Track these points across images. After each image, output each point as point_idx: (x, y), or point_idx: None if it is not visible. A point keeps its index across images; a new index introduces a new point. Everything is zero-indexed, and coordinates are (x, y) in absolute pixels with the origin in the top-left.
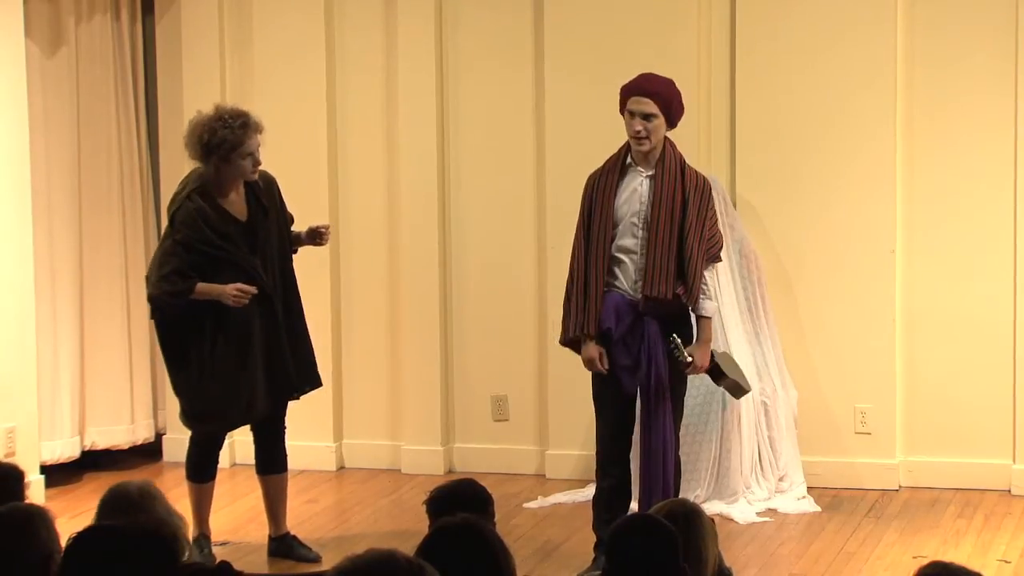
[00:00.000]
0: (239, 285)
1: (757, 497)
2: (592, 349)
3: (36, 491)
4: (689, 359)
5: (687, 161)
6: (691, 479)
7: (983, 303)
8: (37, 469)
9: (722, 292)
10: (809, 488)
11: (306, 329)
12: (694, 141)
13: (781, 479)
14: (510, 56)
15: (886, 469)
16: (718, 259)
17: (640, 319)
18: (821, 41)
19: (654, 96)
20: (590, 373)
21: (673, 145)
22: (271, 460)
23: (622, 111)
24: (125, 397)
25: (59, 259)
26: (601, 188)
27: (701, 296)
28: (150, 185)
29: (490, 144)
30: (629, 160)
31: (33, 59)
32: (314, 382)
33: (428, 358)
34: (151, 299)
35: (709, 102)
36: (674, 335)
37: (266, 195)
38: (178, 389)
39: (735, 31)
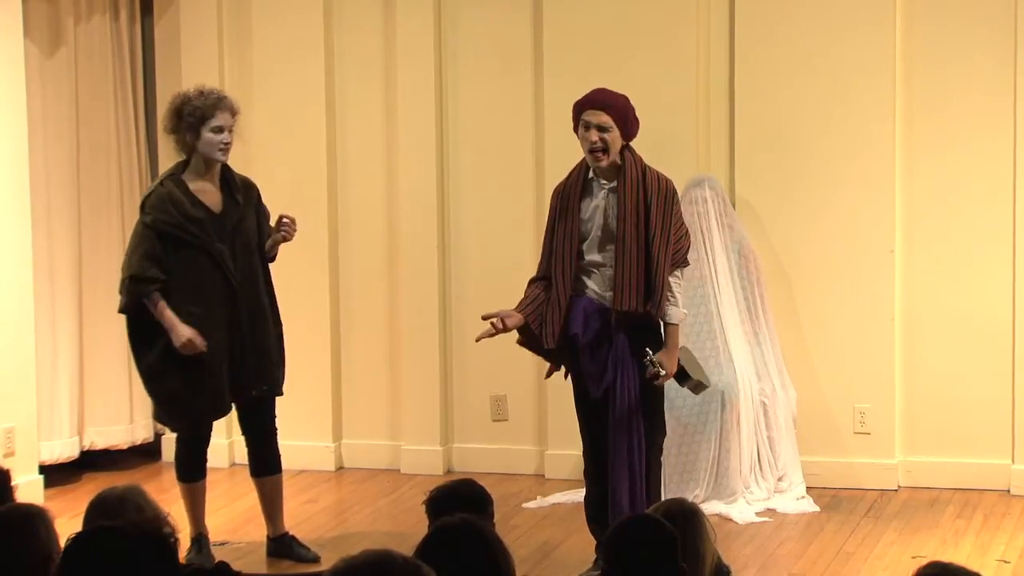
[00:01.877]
0: (195, 338)
1: (756, 497)
2: (513, 316)
3: (35, 491)
4: (662, 372)
5: (651, 165)
6: (690, 479)
7: (982, 303)
8: (36, 469)
9: (721, 292)
10: (808, 488)
11: (278, 333)
12: (692, 142)
13: (780, 479)
14: (509, 57)
15: (885, 469)
16: (685, 263)
17: (608, 325)
18: (820, 41)
19: (608, 109)
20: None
21: (632, 151)
22: (264, 462)
23: (576, 128)
24: (124, 397)
25: (58, 260)
26: (565, 202)
27: (667, 303)
28: (148, 181)
29: (489, 145)
30: (591, 174)
31: (32, 59)
32: (271, 384)
33: (427, 358)
34: (122, 281)
35: (708, 102)
36: (648, 350)
37: (243, 193)
38: (143, 379)
39: (734, 31)
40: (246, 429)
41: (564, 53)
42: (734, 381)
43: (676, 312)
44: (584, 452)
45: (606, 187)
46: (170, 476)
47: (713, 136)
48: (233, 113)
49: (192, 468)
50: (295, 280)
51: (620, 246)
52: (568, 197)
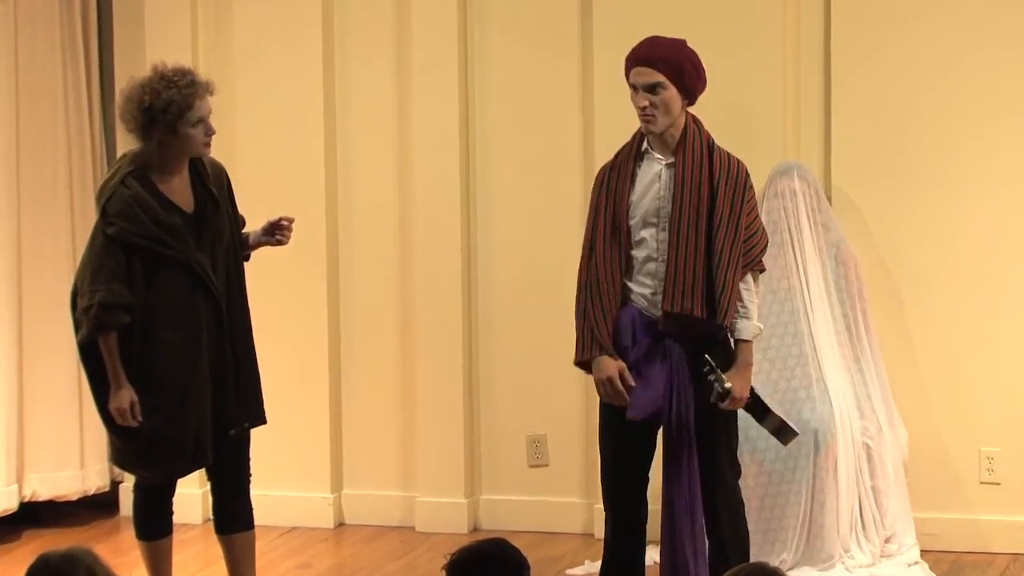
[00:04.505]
0: (132, 410)
1: (858, 563)
2: (609, 365)
3: None
4: (727, 386)
5: (719, 144)
6: (775, 540)
7: None
8: None
9: (813, 308)
10: (923, 552)
11: (254, 352)
12: (779, 121)
13: (888, 540)
14: (550, 24)
15: (1019, 528)
16: (760, 267)
17: (660, 342)
18: (937, 5)
19: (657, 63)
20: None
21: (699, 124)
22: (233, 516)
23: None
24: (73, 438)
25: None
26: (612, 182)
27: (737, 315)
28: (104, 180)
29: (525, 131)
30: (645, 146)
31: None
32: (255, 418)
33: (448, 389)
34: (82, 310)
35: (798, 73)
36: (707, 356)
37: (215, 184)
38: (108, 422)
39: None
40: (215, 474)
41: (619, 17)
42: (830, 418)
43: (748, 326)
44: (604, 484)
45: (662, 162)
46: (129, 534)
47: (804, 115)
48: (211, 93)
49: (155, 523)
50: (285, 295)
51: (674, 234)
52: (617, 174)
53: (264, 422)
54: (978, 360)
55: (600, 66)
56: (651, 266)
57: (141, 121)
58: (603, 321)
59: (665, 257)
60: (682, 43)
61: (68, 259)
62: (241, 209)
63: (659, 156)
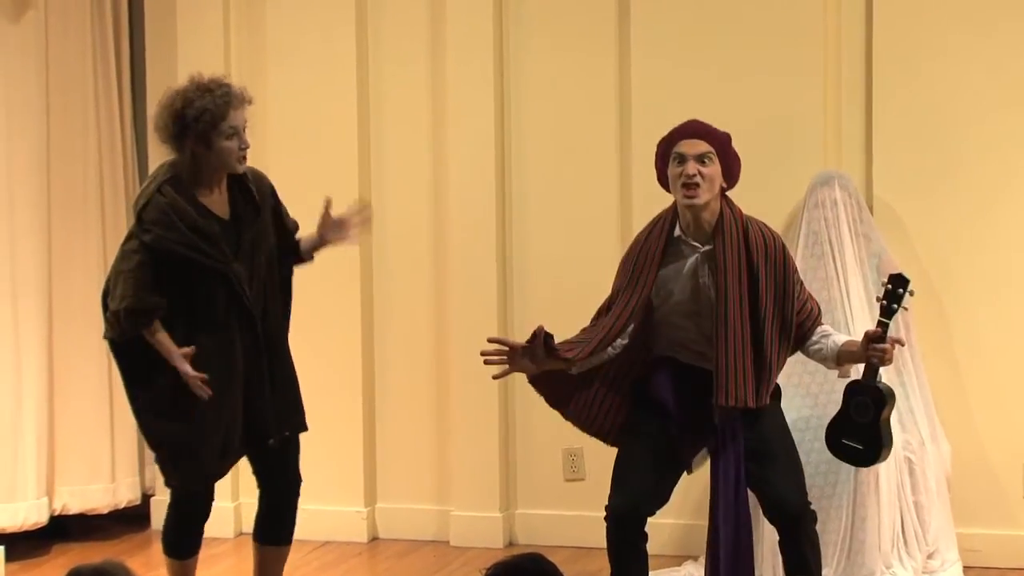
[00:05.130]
0: (197, 376)
1: None
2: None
3: None
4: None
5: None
6: None
7: None
8: None
9: (854, 320)
10: (966, 568)
11: (290, 362)
12: (819, 129)
13: (930, 556)
14: (587, 27)
15: None
16: (820, 322)
17: (701, 389)
18: (983, 8)
19: (707, 136)
20: None
21: (731, 204)
22: (273, 528)
23: (663, 166)
24: (104, 450)
25: (22, 276)
26: (639, 269)
27: (822, 342)
28: (136, 183)
29: (561, 136)
30: (678, 232)
31: None
32: (295, 426)
33: (484, 401)
34: (113, 313)
35: (838, 82)
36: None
37: (257, 191)
38: (141, 423)
39: None
40: (264, 483)
41: (657, 17)
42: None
43: (841, 337)
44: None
45: (699, 250)
46: (160, 547)
47: (845, 123)
48: (247, 103)
49: (182, 542)
50: (318, 305)
51: (722, 329)
52: (642, 261)
53: (304, 429)
54: (1023, 373)
55: (638, 67)
56: (695, 347)
57: (174, 130)
58: (578, 340)
59: (715, 353)
60: (728, 134)
61: (99, 267)
62: None
63: (695, 243)
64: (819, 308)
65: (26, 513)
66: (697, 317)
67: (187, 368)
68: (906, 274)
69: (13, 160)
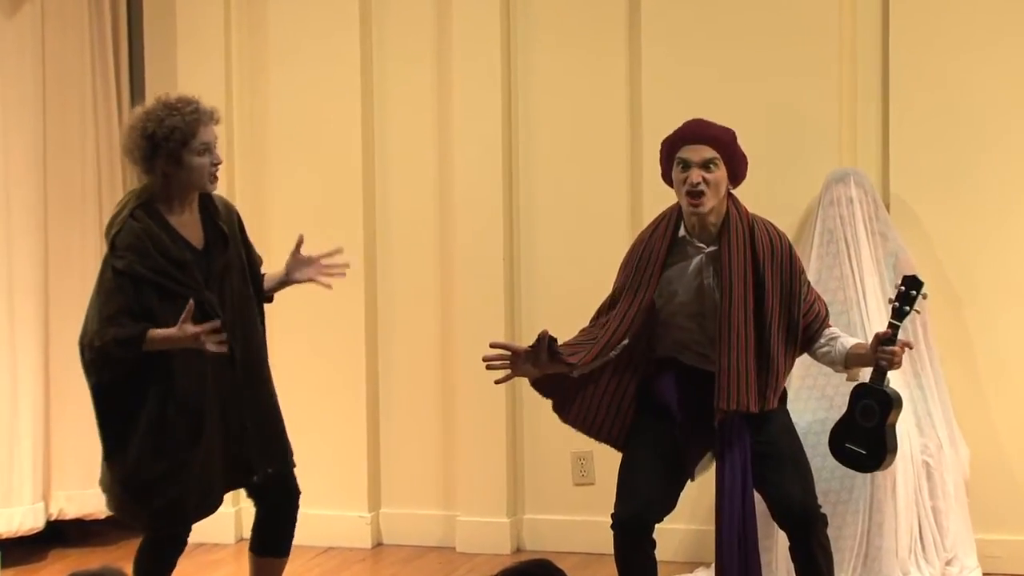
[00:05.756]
0: (207, 326)
1: None
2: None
3: None
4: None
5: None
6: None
7: None
8: None
9: (870, 321)
10: (985, 574)
11: (272, 393)
12: (834, 125)
13: (948, 563)
14: (596, 24)
15: None
16: (828, 324)
17: (705, 391)
18: (1001, 4)
19: (712, 141)
20: None
21: (737, 203)
22: (271, 540)
23: (667, 168)
24: (100, 455)
25: (18, 280)
26: (643, 264)
27: (830, 343)
28: (134, 182)
29: (570, 135)
30: (681, 231)
31: None
32: (280, 462)
33: (490, 404)
34: (95, 351)
35: (854, 78)
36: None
37: (225, 220)
38: (114, 466)
39: None
40: (259, 498)
41: (668, 15)
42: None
43: (849, 339)
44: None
45: (703, 251)
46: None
47: (861, 119)
48: (215, 122)
49: (161, 571)
50: (321, 307)
51: (726, 332)
52: (646, 261)
53: (291, 463)
54: None
55: (648, 65)
56: (699, 348)
57: (145, 151)
58: (580, 342)
59: (718, 355)
60: (733, 132)
61: (96, 267)
62: (275, 214)
63: (699, 244)
64: (826, 310)
65: (22, 518)
66: (701, 319)
67: (197, 329)
68: (920, 276)
69: (9, 157)
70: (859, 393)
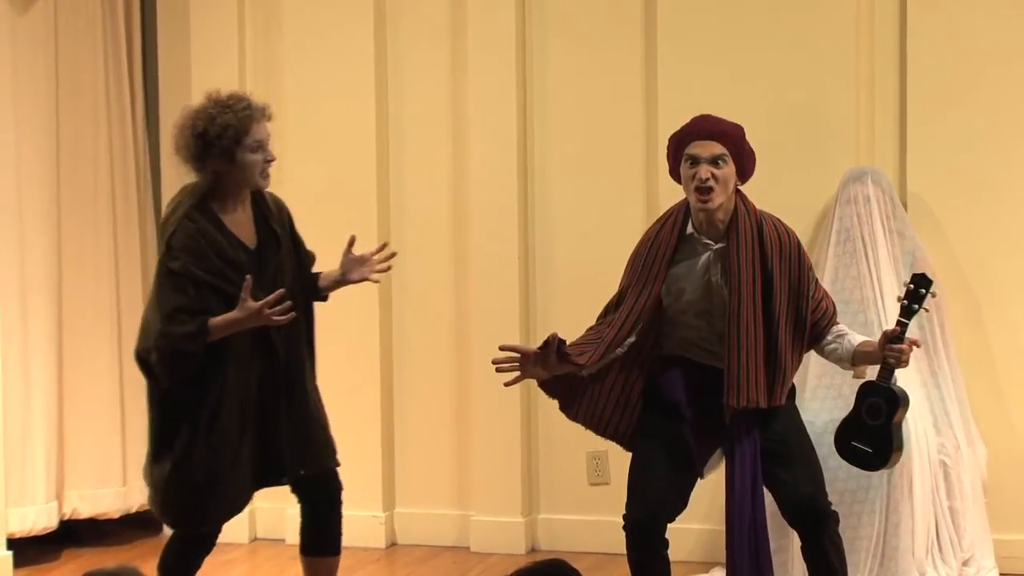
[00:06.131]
0: (270, 297)
1: None
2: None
3: (2, 571)
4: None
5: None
6: (848, 562)
7: None
8: (3, 544)
9: (888, 320)
10: (1003, 575)
11: (314, 396)
12: (852, 123)
13: (965, 563)
14: (612, 20)
15: None
16: (836, 322)
17: (713, 388)
18: (1017, 6)
19: (720, 137)
20: None
21: (745, 200)
22: (321, 540)
23: (675, 165)
24: (114, 453)
25: (31, 279)
26: (649, 261)
27: (838, 340)
28: (148, 184)
29: (586, 132)
30: (690, 229)
31: (0, 15)
32: (312, 464)
33: (505, 403)
34: (161, 351)
35: (871, 76)
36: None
37: (277, 221)
38: (170, 469)
39: None
40: (304, 498)
41: (684, 14)
42: (905, 435)
43: (856, 336)
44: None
45: (711, 248)
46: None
47: (879, 117)
48: (268, 118)
49: (190, 571)
50: (335, 306)
51: (734, 329)
52: (652, 258)
53: (330, 465)
54: None
55: (664, 66)
56: (707, 345)
57: (196, 150)
58: (587, 341)
59: (727, 354)
60: (742, 127)
61: (109, 265)
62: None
63: (707, 240)
64: (834, 307)
65: (35, 517)
66: (709, 316)
67: (258, 304)
68: (933, 275)
69: (22, 154)
70: (866, 391)
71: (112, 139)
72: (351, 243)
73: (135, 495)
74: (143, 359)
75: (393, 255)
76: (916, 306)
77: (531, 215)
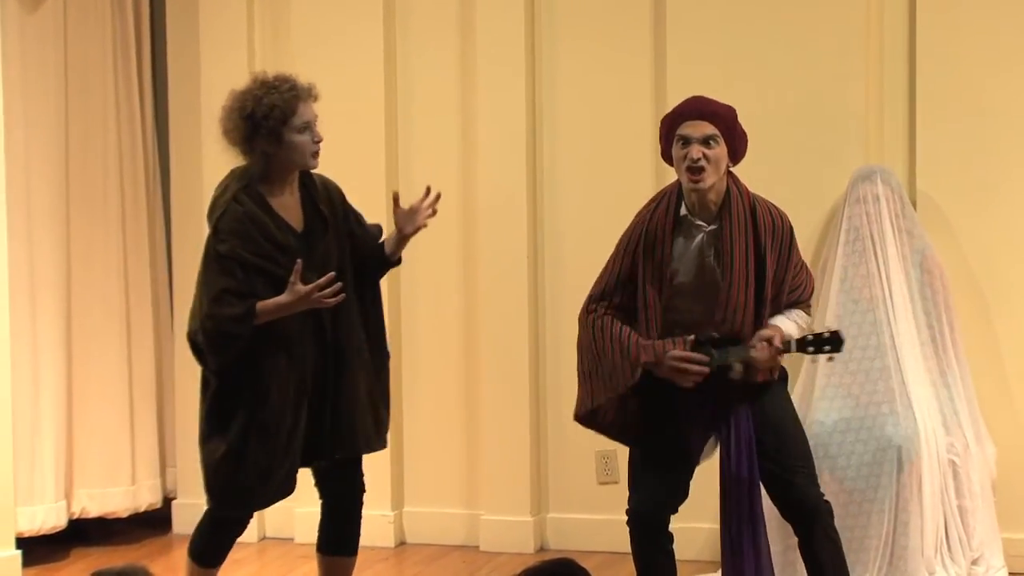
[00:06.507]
0: (321, 280)
1: None
2: (675, 351)
3: (9, 571)
4: (740, 362)
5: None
6: (856, 561)
7: None
8: (12, 543)
9: (897, 319)
10: (1012, 574)
11: (358, 379)
12: (860, 121)
13: (975, 562)
14: (621, 21)
15: None
16: (807, 308)
17: (708, 385)
18: None
19: (712, 117)
20: None
21: (738, 182)
22: (339, 539)
23: (667, 146)
24: (124, 452)
25: (40, 275)
26: (651, 240)
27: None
28: (157, 182)
29: (595, 133)
30: (684, 211)
31: (10, 14)
32: (348, 447)
33: (514, 403)
34: (208, 333)
35: (880, 75)
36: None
37: (324, 201)
38: (222, 459)
39: None
40: (326, 496)
41: (694, 13)
42: (914, 434)
43: (788, 325)
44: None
45: (704, 228)
46: (183, 552)
47: (887, 116)
48: (315, 99)
49: (218, 553)
50: None
51: (724, 309)
52: (653, 238)
53: (359, 451)
54: None
55: (673, 65)
56: (687, 321)
57: (244, 131)
58: (637, 338)
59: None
60: (734, 109)
61: (119, 261)
62: None
63: (700, 222)
64: (811, 289)
65: (44, 516)
66: (701, 297)
67: (308, 287)
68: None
69: (31, 151)
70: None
71: (121, 137)
72: (396, 199)
73: (144, 494)
74: (193, 341)
75: (438, 197)
76: (811, 348)
77: (540, 214)
